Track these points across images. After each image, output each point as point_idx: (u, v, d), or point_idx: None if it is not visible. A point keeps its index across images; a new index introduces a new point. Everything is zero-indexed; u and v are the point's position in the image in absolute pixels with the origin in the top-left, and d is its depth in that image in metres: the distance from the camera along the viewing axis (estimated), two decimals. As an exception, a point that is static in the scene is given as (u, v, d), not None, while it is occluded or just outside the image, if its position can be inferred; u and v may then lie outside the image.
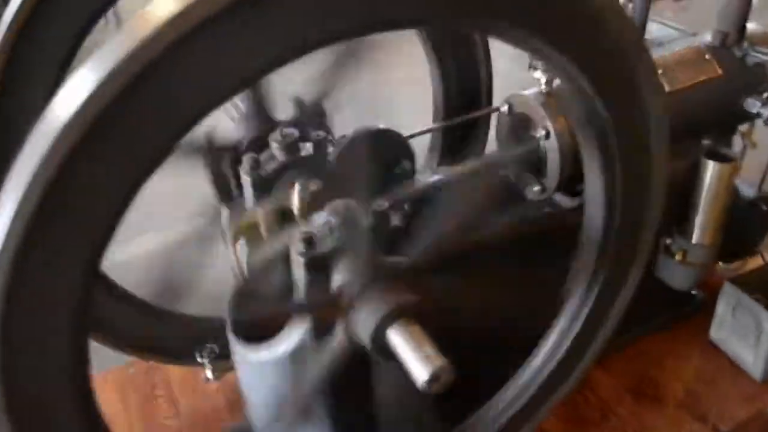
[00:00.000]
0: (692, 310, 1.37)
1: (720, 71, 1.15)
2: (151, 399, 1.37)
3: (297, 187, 0.88)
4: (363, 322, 0.72)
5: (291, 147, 0.95)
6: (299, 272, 0.78)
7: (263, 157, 0.95)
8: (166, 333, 1.22)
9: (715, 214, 1.17)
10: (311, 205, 0.87)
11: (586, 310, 0.93)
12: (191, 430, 1.30)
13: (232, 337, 0.87)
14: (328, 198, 0.84)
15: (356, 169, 0.86)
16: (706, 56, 1.16)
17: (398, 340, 0.71)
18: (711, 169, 1.12)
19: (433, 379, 0.68)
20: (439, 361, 0.69)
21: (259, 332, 0.84)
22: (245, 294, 0.87)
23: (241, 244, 0.94)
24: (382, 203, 0.85)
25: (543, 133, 1.06)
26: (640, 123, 0.80)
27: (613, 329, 0.98)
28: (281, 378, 0.84)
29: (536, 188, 1.08)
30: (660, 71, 1.11)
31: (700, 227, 1.18)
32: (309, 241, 0.77)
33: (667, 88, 1.10)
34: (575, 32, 0.69)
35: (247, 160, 0.94)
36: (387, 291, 0.74)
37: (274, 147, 0.94)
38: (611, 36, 0.71)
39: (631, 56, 0.74)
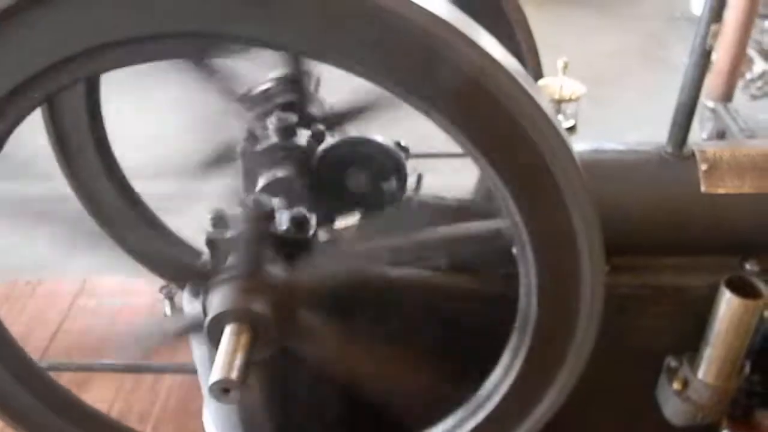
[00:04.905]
0: None
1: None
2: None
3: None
4: (213, 303, 0.83)
5: (284, 132, 1.04)
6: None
7: (261, 134, 1.07)
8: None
9: (725, 354, 0.97)
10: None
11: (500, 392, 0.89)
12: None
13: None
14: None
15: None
16: (785, 166, 0.97)
17: (225, 336, 0.81)
18: (726, 301, 0.93)
19: (221, 386, 0.76)
20: (235, 374, 0.76)
21: None
22: None
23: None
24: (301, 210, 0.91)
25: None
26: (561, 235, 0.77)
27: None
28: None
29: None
30: (704, 167, 0.97)
31: (708, 362, 0.98)
32: (217, 220, 0.89)
33: (702, 188, 0.97)
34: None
35: (245, 132, 1.06)
36: (250, 292, 0.83)
37: (270, 128, 1.05)
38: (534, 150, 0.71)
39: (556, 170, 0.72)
